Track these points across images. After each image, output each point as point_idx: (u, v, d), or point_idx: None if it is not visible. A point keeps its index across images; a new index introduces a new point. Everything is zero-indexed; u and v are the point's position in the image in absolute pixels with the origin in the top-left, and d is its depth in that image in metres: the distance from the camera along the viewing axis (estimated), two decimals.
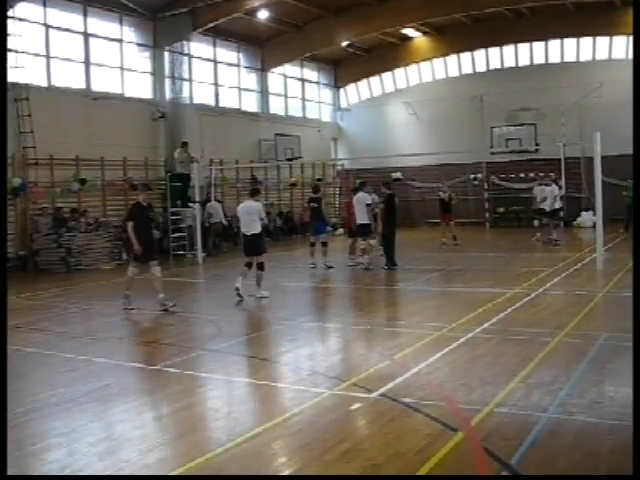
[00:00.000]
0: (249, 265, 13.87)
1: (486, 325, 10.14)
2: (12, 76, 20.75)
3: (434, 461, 5.27)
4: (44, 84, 22.07)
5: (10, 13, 20.77)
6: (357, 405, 6.70)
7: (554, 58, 32.06)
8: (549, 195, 22.11)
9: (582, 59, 31.19)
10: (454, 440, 5.66)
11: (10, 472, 5.49)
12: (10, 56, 20.74)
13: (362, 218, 17.58)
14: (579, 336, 9.23)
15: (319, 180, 34.40)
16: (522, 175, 30.97)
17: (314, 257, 18.29)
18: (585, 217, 28.69)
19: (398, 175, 33.15)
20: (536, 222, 24.47)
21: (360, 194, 17.94)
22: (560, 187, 23.46)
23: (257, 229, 13.69)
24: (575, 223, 29.13)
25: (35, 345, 10.11)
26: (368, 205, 17.52)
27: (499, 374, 7.69)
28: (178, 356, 9.06)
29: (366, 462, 5.35)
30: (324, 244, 18.47)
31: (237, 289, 13.38)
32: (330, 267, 18.04)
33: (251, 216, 13.70)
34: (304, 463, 5.42)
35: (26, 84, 20.92)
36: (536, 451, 5.44)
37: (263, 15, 27.57)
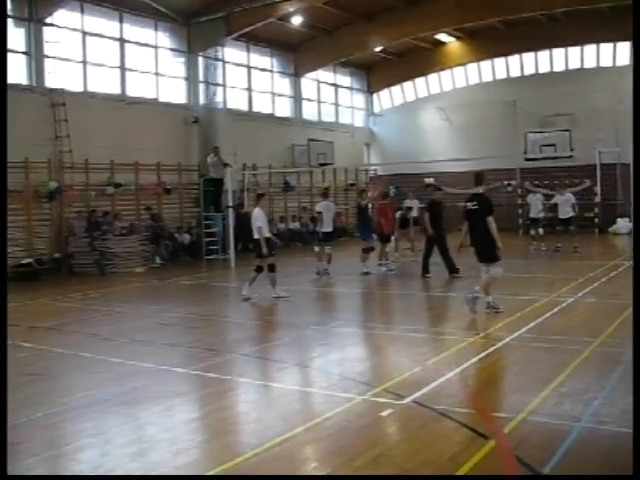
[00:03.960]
0: (258, 269, 14.43)
1: (519, 332, 10.03)
2: (49, 81, 21.12)
3: (465, 469, 5.22)
4: (80, 89, 22.37)
5: (49, 20, 21.13)
6: (388, 411, 6.66)
7: (590, 63, 31.76)
8: (532, 202, 22.17)
9: (619, 64, 30.83)
10: (486, 448, 5.60)
11: (43, 471, 5.57)
12: (47, 62, 21.13)
13: (327, 226, 18.10)
14: (613, 344, 9.10)
15: (352, 185, 34.48)
16: (556, 182, 30.64)
17: (365, 262, 18.05)
18: (621, 224, 28.31)
19: (430, 181, 33.00)
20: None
21: (327, 203, 18.53)
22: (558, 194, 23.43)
23: (256, 235, 14.33)
24: (610, 230, 28.78)
25: (68, 346, 10.22)
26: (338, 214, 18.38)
27: (532, 382, 7.61)
28: (208, 360, 9.09)
29: (396, 468, 5.32)
30: (371, 249, 18.26)
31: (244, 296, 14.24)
32: (367, 273, 17.73)
33: (255, 223, 14.40)
34: (334, 468, 5.40)
35: (63, 89, 21.23)
36: (568, 460, 5.36)
37: (296, 21, 27.70)
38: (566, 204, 21.89)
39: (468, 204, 11.82)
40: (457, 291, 15.16)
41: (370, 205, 19.08)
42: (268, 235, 14.54)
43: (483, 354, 8.79)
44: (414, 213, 22.71)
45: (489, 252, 11.62)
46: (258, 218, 14.38)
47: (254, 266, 14.44)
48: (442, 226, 16.92)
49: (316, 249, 18.51)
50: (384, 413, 6.62)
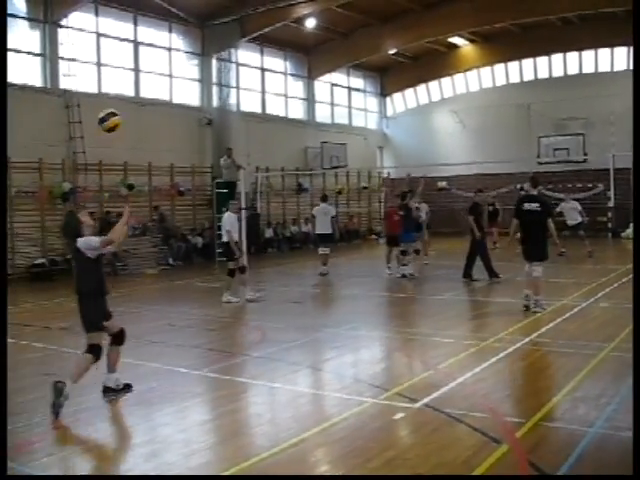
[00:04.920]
0: (242, 270, 14.68)
1: (533, 336, 10.02)
2: (64, 83, 21.23)
3: (478, 472, 5.22)
4: (94, 91, 22.47)
5: (64, 22, 21.26)
6: (401, 414, 6.66)
7: (604, 67, 31.66)
8: None
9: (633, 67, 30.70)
10: (499, 452, 5.60)
11: (58, 470, 5.62)
12: (62, 64, 21.24)
13: (325, 228, 18.93)
14: (627, 349, 9.03)
15: (364, 188, 34.49)
16: (570, 185, 30.56)
17: (399, 264, 17.94)
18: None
19: (444, 184, 33.01)
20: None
21: (324, 206, 19.32)
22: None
23: (224, 238, 14.65)
24: (624, 235, 28.63)
25: (82, 347, 10.22)
26: (333, 217, 19.27)
27: (545, 386, 7.60)
28: (222, 361, 9.13)
29: (410, 471, 5.33)
30: (404, 252, 17.90)
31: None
32: (405, 276, 17.47)
33: (224, 226, 14.63)
34: (347, 471, 5.41)
35: (77, 91, 21.34)
36: (582, 466, 5.35)
37: (310, 23, 27.69)
38: (572, 211, 21.93)
39: (525, 205, 12.17)
40: (470, 295, 15.15)
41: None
42: (236, 239, 14.74)
43: (496, 358, 8.76)
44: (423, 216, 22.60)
45: (543, 251, 12.17)
46: (227, 222, 14.52)
47: (265, 269, 14.47)
48: (484, 229, 16.79)
49: (320, 251, 19.07)
50: (397, 416, 6.63)
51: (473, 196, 17.88)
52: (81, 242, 7.20)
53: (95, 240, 7.22)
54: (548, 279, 12.37)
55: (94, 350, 7.27)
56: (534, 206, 12.07)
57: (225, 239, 14.60)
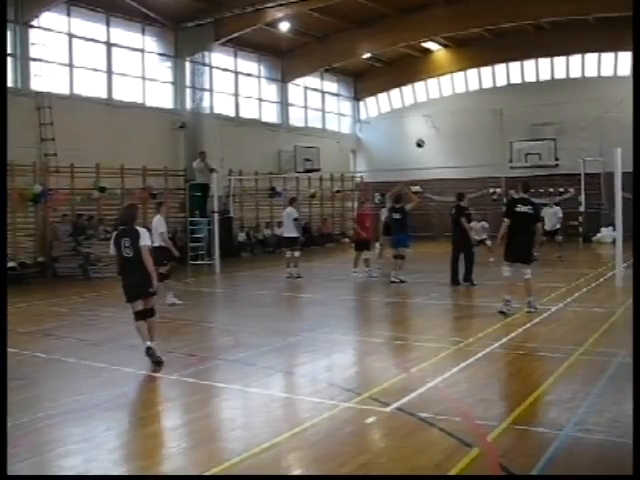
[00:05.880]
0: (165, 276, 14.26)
1: (504, 340, 10.09)
2: (35, 84, 21.03)
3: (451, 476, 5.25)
4: (66, 92, 22.28)
5: (35, 23, 21.05)
6: (373, 418, 6.68)
7: (575, 73, 32.04)
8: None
9: (603, 74, 31.09)
10: (470, 456, 5.63)
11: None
12: (34, 65, 21.04)
13: (290, 231, 19.36)
14: (598, 353, 9.16)
15: (338, 192, 34.53)
16: (541, 190, 30.80)
17: (397, 270, 17.48)
18: (605, 233, 28.50)
19: (417, 188, 33.10)
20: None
21: (289, 209, 19.60)
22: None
23: (158, 242, 13.82)
24: (594, 239, 28.96)
25: (55, 351, 10.17)
26: (295, 220, 19.37)
27: (516, 390, 7.65)
28: (195, 366, 9.09)
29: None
30: (401, 257, 17.40)
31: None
32: (403, 281, 17.06)
33: (158, 229, 14.13)
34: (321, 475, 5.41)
35: (49, 92, 21.15)
36: (554, 469, 5.40)
37: (284, 27, 27.68)
38: (553, 217, 22.12)
39: (519, 206, 12.30)
40: (442, 299, 15.20)
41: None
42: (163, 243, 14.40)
43: (468, 362, 8.81)
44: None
45: (531, 254, 12.47)
46: (161, 225, 14.27)
47: (239, 273, 14.39)
48: (467, 232, 16.67)
49: (287, 254, 19.41)
50: (369, 420, 6.64)
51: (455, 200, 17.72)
52: (142, 231, 9.25)
53: (148, 238, 9.28)
54: (519, 282, 12.43)
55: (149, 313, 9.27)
56: (527, 209, 12.26)
57: (158, 243, 13.68)
